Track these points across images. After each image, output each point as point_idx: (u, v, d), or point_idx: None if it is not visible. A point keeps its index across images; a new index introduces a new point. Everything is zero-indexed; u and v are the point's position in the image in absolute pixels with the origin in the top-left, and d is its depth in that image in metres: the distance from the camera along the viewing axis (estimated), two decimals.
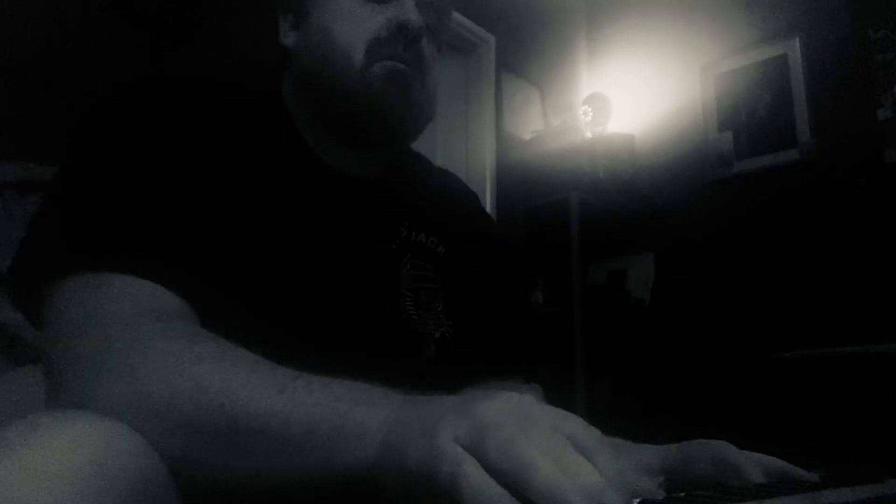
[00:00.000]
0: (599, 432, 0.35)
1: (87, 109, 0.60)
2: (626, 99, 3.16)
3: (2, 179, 1.44)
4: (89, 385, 0.44)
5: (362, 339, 0.52)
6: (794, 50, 2.72)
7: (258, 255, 0.58)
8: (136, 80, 0.62)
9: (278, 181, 0.64)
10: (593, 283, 3.01)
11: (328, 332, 0.46)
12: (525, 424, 0.33)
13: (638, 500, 0.41)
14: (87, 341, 0.47)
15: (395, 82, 0.65)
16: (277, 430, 0.40)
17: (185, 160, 0.58)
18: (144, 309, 0.49)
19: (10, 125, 1.49)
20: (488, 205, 2.78)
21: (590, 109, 3.12)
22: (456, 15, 2.74)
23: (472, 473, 0.32)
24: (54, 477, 0.34)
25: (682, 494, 0.44)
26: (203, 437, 0.42)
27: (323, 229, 0.64)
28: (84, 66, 1.62)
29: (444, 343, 0.69)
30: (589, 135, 3.07)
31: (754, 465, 0.59)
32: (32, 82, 1.56)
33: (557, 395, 0.67)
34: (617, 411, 2.46)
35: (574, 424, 0.34)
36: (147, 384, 0.43)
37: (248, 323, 0.47)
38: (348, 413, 0.40)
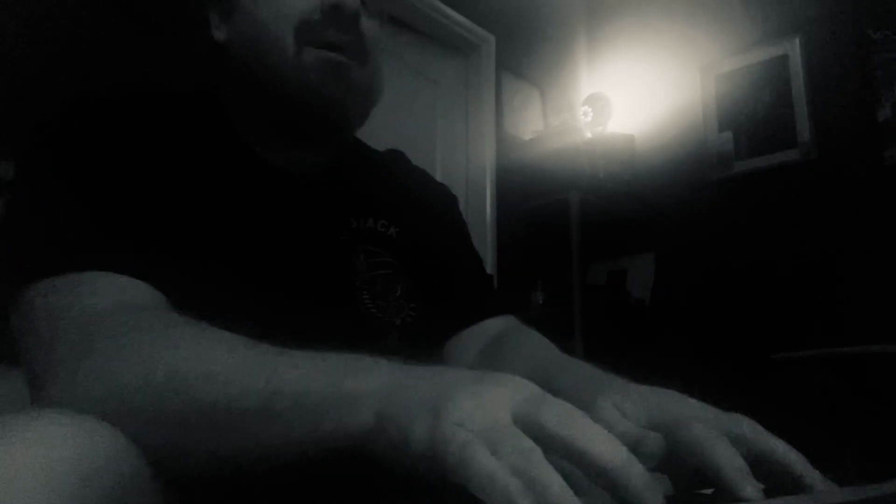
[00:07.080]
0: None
1: (37, 121, 0.59)
2: (626, 99, 3.16)
3: (2, 179, 1.44)
4: (68, 383, 0.44)
5: (321, 340, 0.52)
6: (794, 50, 2.72)
7: (207, 258, 0.57)
8: (81, 93, 0.61)
9: (218, 184, 0.62)
10: (593, 283, 3.01)
11: (286, 335, 0.46)
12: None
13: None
14: (66, 339, 0.46)
15: (330, 72, 0.61)
16: (261, 407, 0.39)
17: (131, 166, 0.57)
18: (120, 302, 0.48)
19: (10, 125, 1.49)
20: (488, 205, 2.79)
21: (590, 109, 3.12)
22: (456, 15, 2.74)
23: (482, 459, 0.31)
24: (28, 477, 0.33)
25: (683, 495, 0.44)
26: (184, 425, 0.41)
27: (269, 230, 0.62)
28: (84, 66, 1.62)
29: (407, 329, 0.67)
30: (589, 135, 3.07)
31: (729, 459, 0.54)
32: (32, 82, 1.56)
33: None
34: None
35: (552, 400, 0.35)
36: (123, 378, 0.42)
37: (212, 321, 0.46)
38: (338, 383, 0.38)
